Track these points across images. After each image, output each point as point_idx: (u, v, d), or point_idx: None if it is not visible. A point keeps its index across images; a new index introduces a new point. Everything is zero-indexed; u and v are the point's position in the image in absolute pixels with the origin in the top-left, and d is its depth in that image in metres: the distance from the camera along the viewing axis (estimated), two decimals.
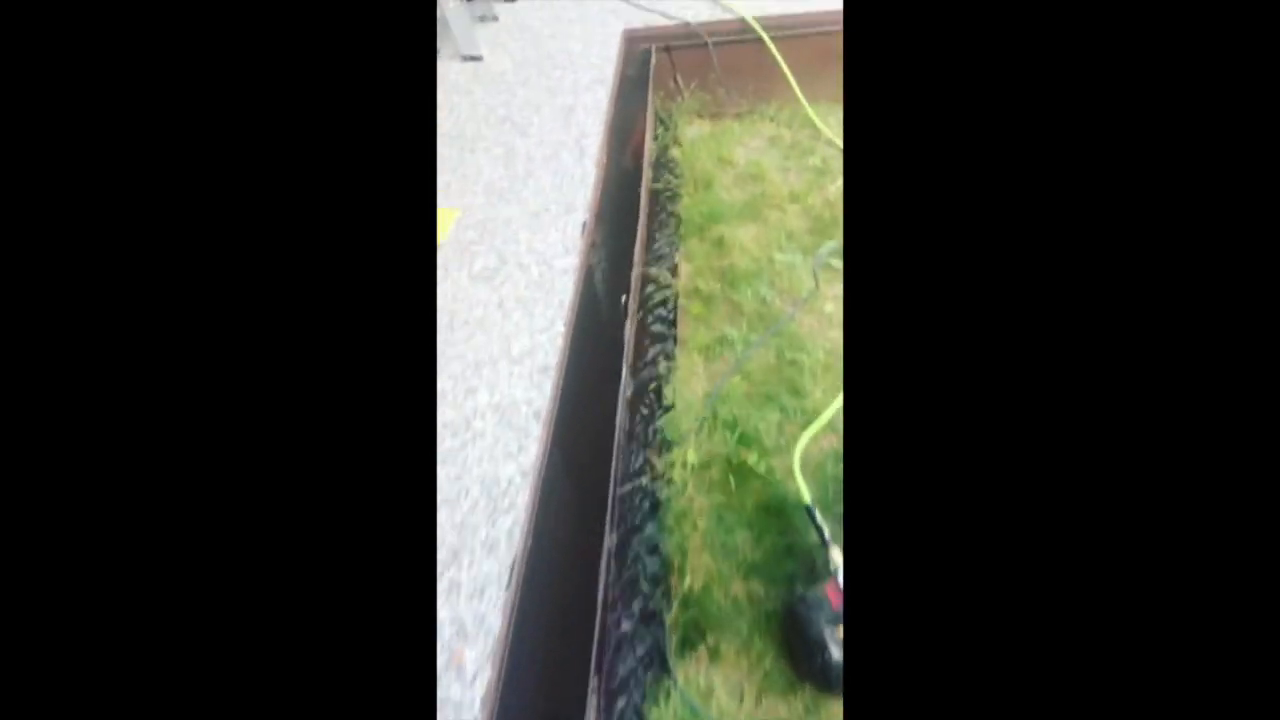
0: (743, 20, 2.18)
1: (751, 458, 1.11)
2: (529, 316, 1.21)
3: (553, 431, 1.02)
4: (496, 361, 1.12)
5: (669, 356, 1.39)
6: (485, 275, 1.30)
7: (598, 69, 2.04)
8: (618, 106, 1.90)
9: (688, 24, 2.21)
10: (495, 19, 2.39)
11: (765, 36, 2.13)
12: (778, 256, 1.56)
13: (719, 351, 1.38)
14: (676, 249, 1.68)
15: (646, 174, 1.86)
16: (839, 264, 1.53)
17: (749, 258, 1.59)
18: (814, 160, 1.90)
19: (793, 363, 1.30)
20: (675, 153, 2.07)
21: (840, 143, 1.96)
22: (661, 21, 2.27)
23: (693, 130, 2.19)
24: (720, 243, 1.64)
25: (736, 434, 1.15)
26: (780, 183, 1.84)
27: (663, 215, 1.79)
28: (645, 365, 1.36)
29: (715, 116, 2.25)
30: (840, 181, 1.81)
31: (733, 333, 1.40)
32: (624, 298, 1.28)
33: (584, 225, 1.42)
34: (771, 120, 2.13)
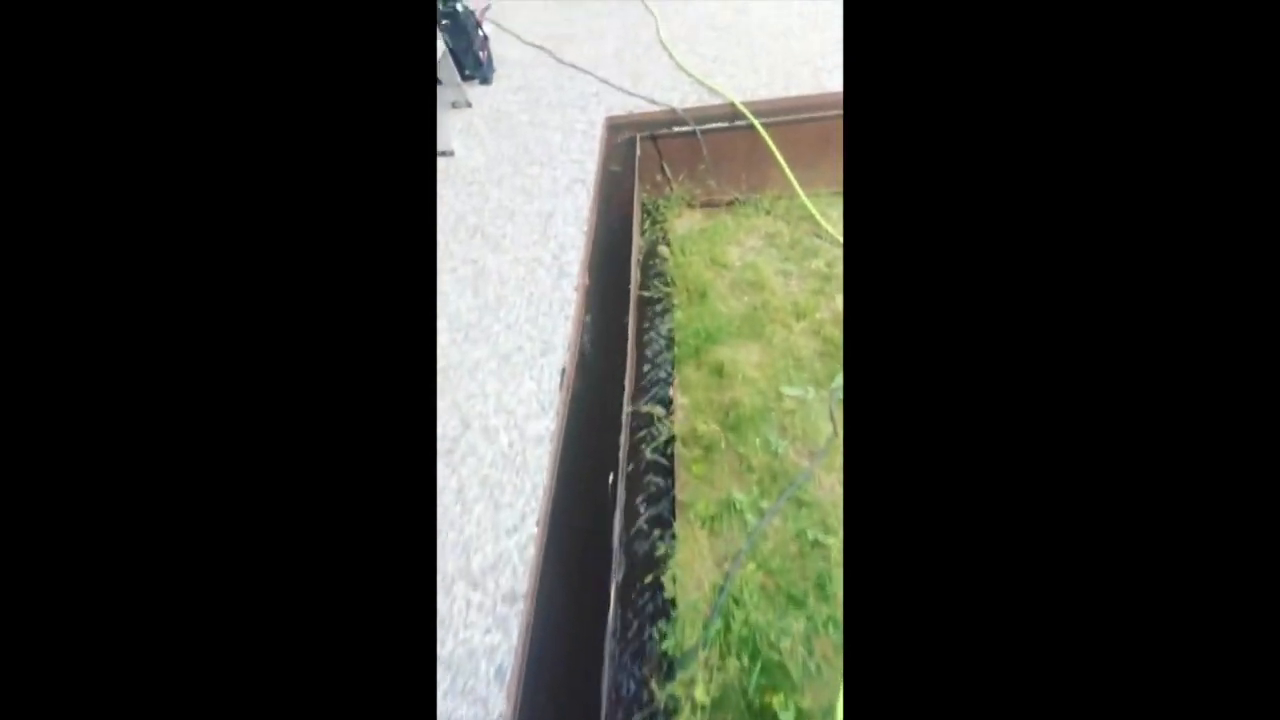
0: (732, 105, 2.05)
1: (777, 700, 0.89)
2: (494, 509, 0.99)
3: (520, 699, 0.79)
4: (452, 584, 0.90)
5: (666, 526, 1.17)
6: (444, 448, 1.09)
7: (579, 164, 1.88)
8: (600, 211, 1.73)
9: (674, 110, 2.06)
10: (468, 105, 2.24)
11: (756, 123, 1.99)
12: (786, 391, 1.37)
13: (725, 522, 1.16)
14: (671, 377, 1.48)
15: (634, 276, 1.67)
16: None
17: (754, 391, 1.39)
18: (817, 264, 1.73)
19: (816, 545, 1.08)
20: (664, 251, 1.90)
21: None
22: (646, 107, 2.13)
23: (683, 224, 2.02)
24: (720, 371, 1.44)
25: (758, 664, 0.93)
26: (782, 292, 1.66)
27: (654, 333, 1.60)
28: (639, 538, 1.14)
29: (707, 207, 2.08)
30: None
31: (740, 497, 1.18)
32: (611, 477, 1.07)
33: (563, 374, 1.22)
34: (767, 213, 1.97)
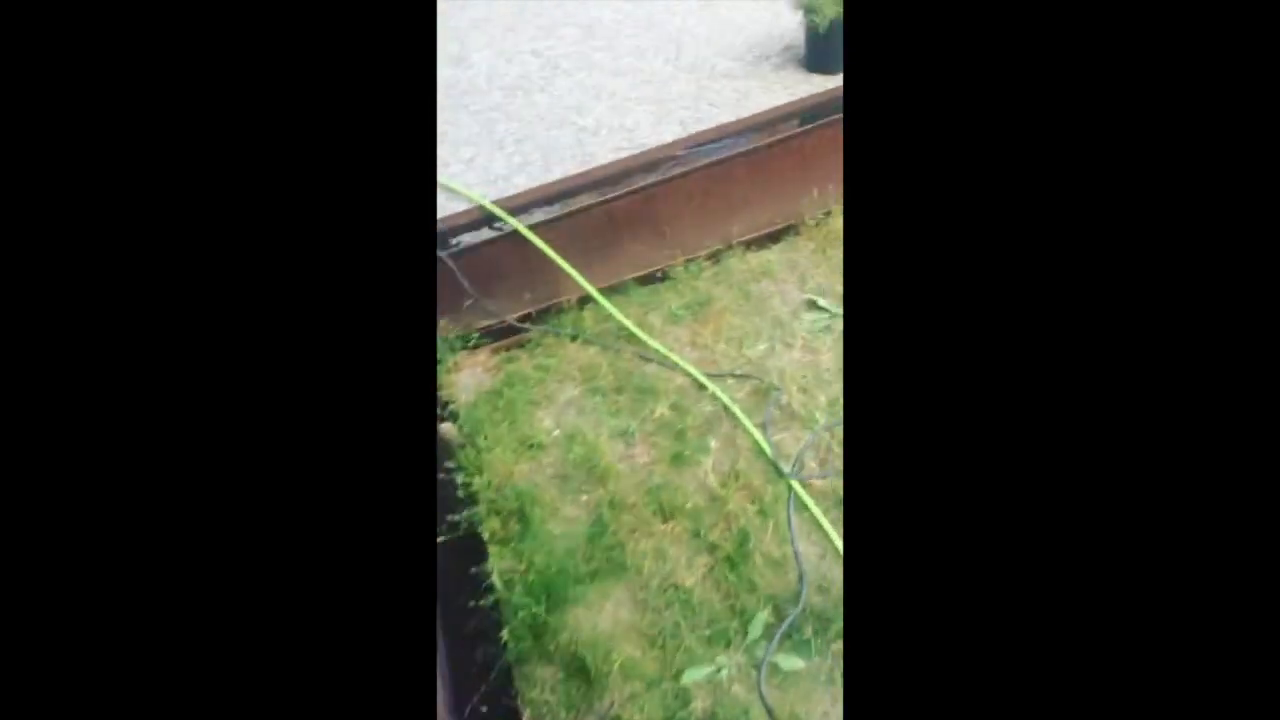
0: (482, 209, 1.51)
1: None
2: None
3: None
4: None
5: None
6: None
7: None
8: None
9: None
10: None
11: (521, 227, 1.48)
12: (690, 679, 0.90)
13: None
14: (512, 698, 0.94)
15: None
16: (792, 662, 0.91)
17: (642, 688, 0.91)
18: (660, 409, 1.29)
19: None
20: (451, 434, 1.33)
21: (682, 362, 1.37)
22: None
23: (466, 380, 1.46)
24: (583, 667, 0.94)
25: None
26: (628, 474, 1.19)
27: (466, 614, 1.04)
28: None
29: (491, 341, 1.53)
30: (715, 443, 1.22)
31: None
32: None
33: None
34: (573, 339, 1.48)
